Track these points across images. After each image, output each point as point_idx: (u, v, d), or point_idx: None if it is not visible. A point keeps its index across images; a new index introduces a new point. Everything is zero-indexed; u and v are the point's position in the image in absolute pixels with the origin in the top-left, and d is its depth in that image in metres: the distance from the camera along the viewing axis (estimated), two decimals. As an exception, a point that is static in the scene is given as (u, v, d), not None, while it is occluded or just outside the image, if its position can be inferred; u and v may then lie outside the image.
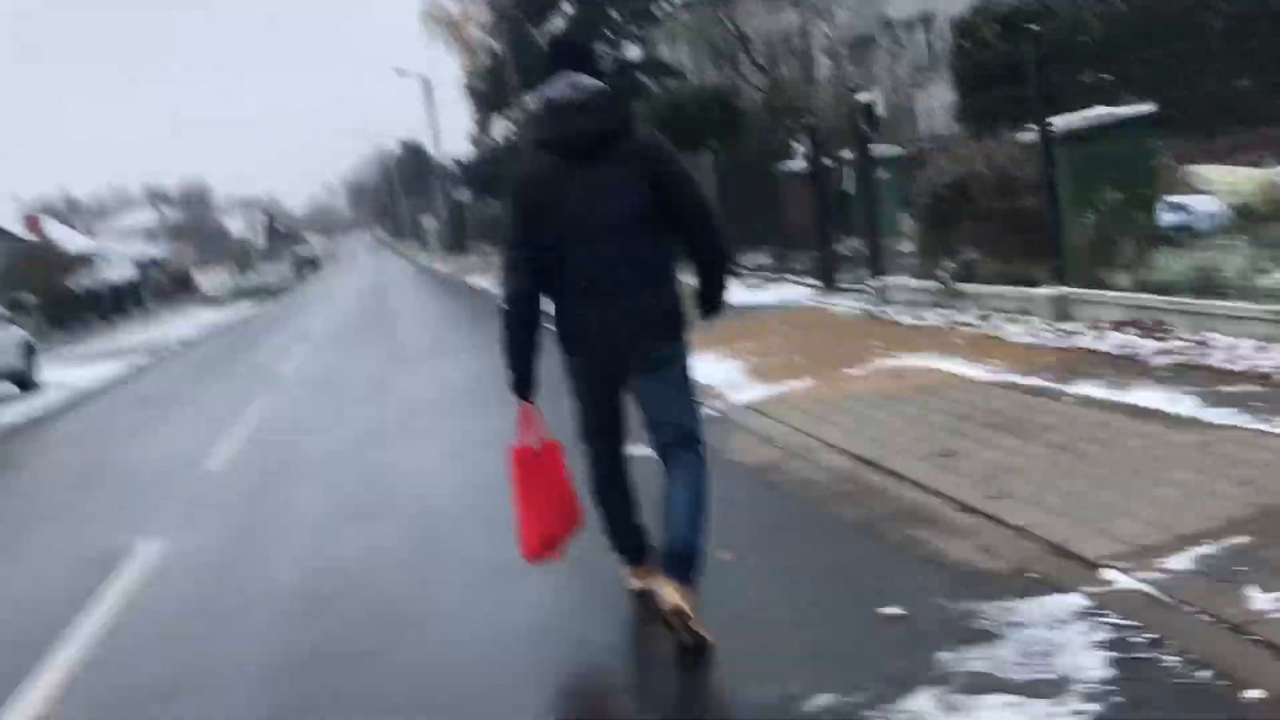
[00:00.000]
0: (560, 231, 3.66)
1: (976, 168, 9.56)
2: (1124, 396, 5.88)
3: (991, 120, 16.28)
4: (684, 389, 3.89)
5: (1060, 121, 8.26)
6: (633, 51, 34.82)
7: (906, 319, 9.70)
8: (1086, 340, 7.32)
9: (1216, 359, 6.14)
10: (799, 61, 22.58)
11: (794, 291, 13.17)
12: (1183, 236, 8.45)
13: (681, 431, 3.85)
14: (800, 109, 17.52)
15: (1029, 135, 8.86)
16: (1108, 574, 3.70)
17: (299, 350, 18.11)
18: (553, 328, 3.84)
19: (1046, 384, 6.49)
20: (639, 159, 3.69)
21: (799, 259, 14.27)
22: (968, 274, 9.44)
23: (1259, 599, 3.29)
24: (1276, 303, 6.15)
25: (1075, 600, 3.57)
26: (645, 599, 3.99)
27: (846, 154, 13.64)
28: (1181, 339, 6.63)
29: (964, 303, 9.33)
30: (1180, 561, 3.67)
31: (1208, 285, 6.79)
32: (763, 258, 15.52)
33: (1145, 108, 8.56)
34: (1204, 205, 9.00)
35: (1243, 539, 3.77)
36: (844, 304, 11.40)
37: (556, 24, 33.94)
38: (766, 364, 8.78)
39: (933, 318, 9.41)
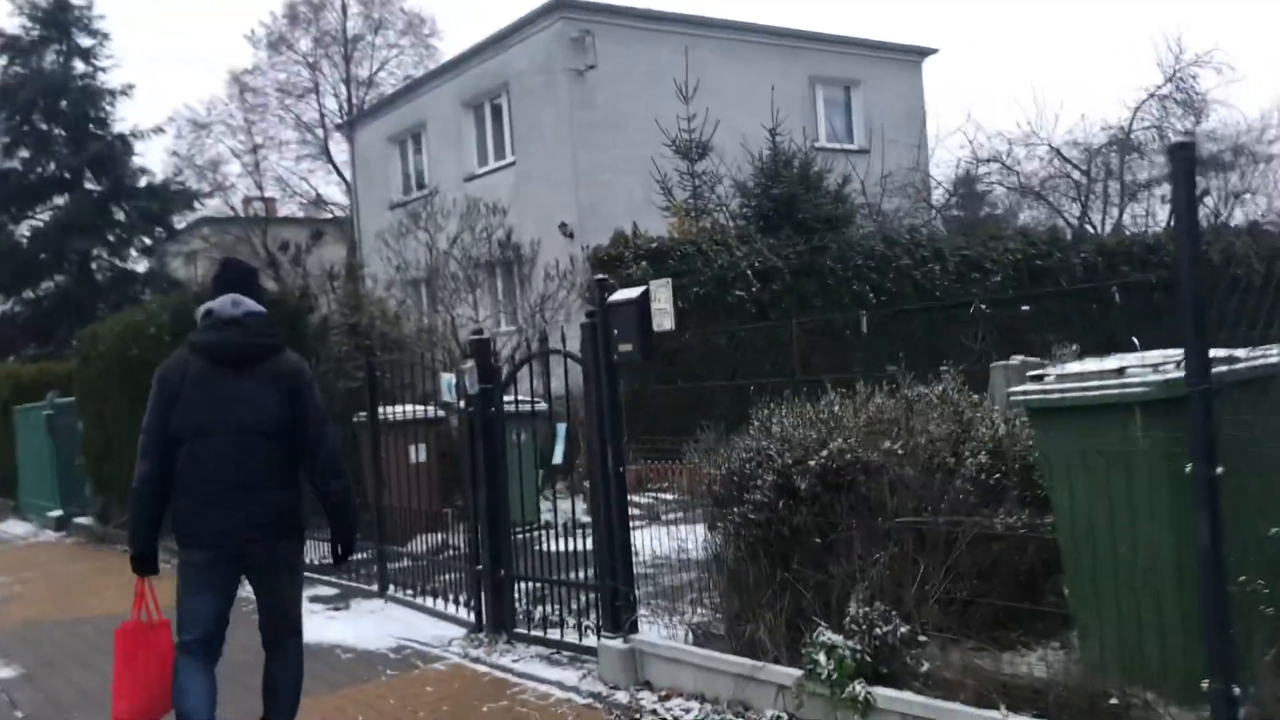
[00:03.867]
0: (195, 426, 4.06)
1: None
2: None
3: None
4: (296, 585, 4.39)
5: None
6: (141, 265, 27.60)
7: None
8: None
9: None
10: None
11: (414, 625, 7.18)
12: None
13: (289, 623, 4.36)
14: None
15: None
16: None
17: None
18: (175, 520, 4.02)
19: None
20: (282, 376, 4.21)
21: (406, 562, 8.49)
22: (899, 664, 4.23)
23: None
24: None
25: None
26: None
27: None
28: None
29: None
30: None
31: None
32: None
33: None
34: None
35: None
36: (546, 679, 5.68)
37: (42, 218, 26.05)
38: None
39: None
